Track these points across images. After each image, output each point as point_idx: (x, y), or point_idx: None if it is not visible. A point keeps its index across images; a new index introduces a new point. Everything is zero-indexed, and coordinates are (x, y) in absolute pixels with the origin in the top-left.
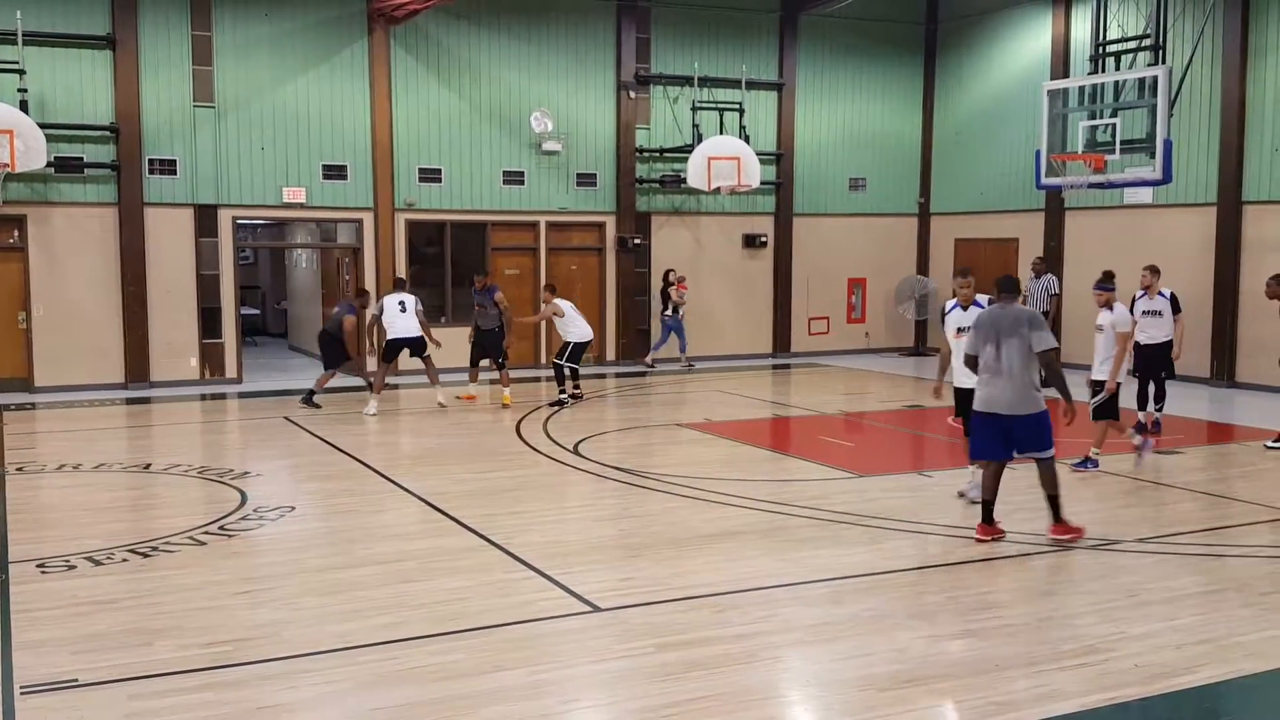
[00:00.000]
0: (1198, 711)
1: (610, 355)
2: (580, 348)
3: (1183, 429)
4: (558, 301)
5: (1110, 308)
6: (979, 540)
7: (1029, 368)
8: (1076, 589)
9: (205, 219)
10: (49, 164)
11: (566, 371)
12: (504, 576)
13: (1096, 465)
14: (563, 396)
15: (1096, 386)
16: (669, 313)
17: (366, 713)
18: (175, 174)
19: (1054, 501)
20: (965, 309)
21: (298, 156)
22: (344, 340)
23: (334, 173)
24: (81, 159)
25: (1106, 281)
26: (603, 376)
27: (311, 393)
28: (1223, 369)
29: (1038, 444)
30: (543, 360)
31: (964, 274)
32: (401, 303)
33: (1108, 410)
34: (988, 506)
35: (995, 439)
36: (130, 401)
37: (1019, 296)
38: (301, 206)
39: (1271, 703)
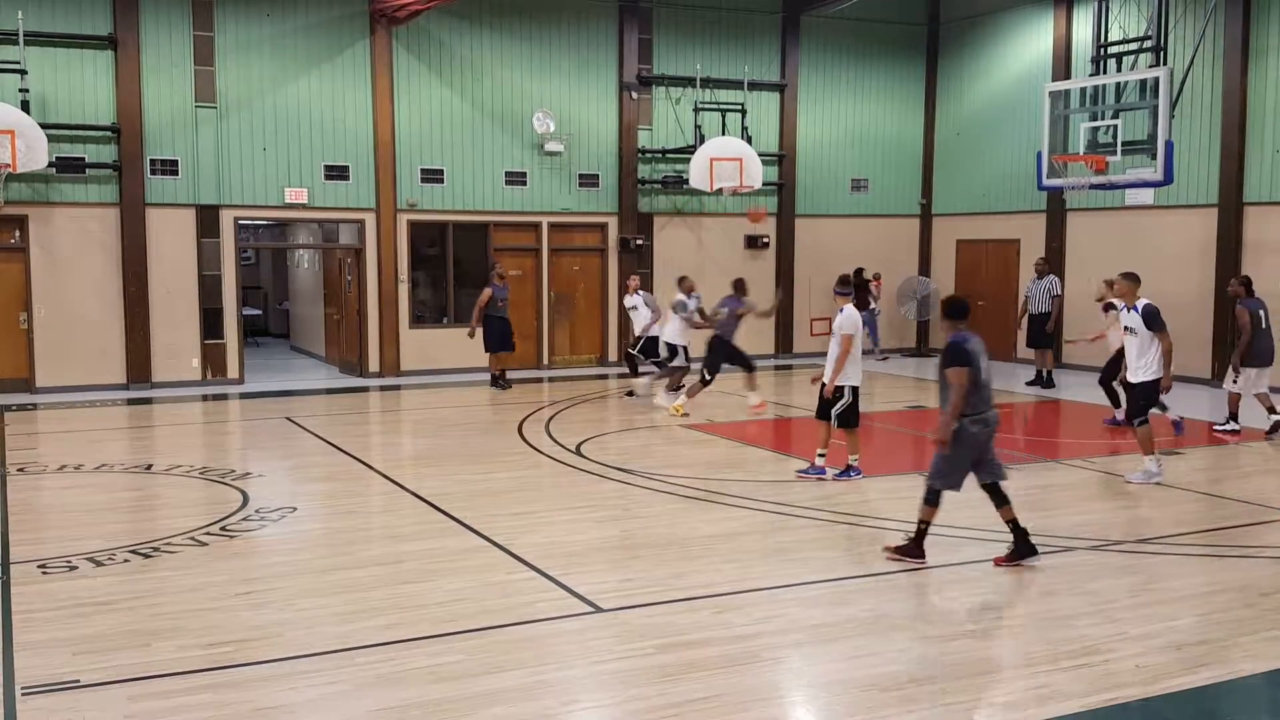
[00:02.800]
0: (1198, 713)
1: (612, 356)
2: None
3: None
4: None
5: (843, 310)
6: None
7: None
8: (1077, 590)
9: (207, 219)
10: (50, 164)
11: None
12: (505, 577)
13: (859, 473)
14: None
15: (839, 392)
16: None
17: (367, 714)
18: (177, 174)
19: None
20: (1130, 310)
21: (299, 157)
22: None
23: (336, 173)
24: (83, 159)
25: (841, 286)
26: (604, 377)
27: (494, 377)
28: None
29: None
30: (544, 361)
31: (1123, 276)
32: (675, 304)
33: (849, 415)
34: None
35: None
36: (132, 402)
37: None
38: (303, 207)
39: (1272, 704)
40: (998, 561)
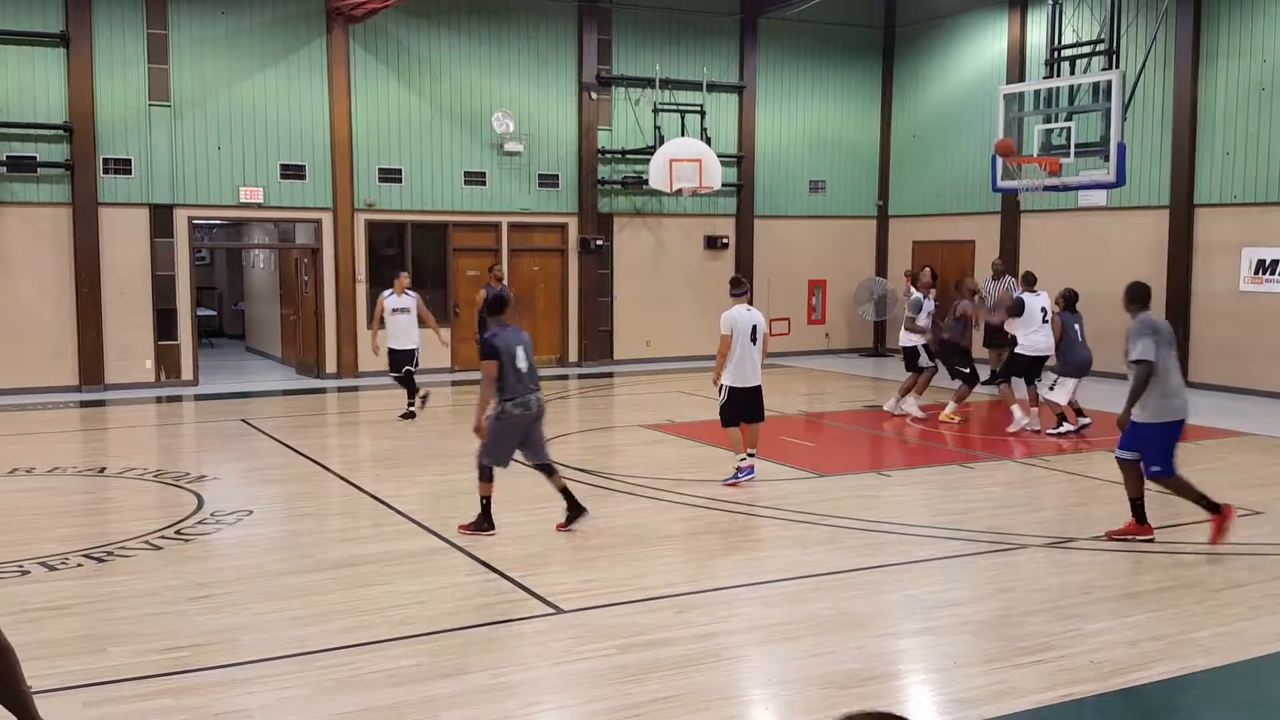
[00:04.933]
0: (1152, 708)
1: (573, 357)
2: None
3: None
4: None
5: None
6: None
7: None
8: (1032, 587)
9: (161, 219)
10: (1, 163)
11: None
12: (465, 579)
13: (750, 474)
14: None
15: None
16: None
17: (326, 718)
18: (130, 173)
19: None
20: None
21: (255, 156)
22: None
23: (292, 172)
24: (35, 158)
25: (734, 287)
26: (565, 378)
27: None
28: None
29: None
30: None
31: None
32: (912, 303)
33: (722, 413)
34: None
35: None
36: (84, 404)
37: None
38: (259, 206)
39: (1224, 699)
40: (559, 527)
